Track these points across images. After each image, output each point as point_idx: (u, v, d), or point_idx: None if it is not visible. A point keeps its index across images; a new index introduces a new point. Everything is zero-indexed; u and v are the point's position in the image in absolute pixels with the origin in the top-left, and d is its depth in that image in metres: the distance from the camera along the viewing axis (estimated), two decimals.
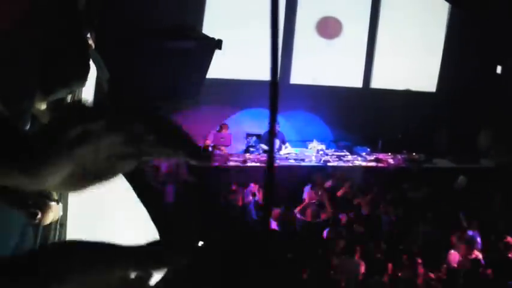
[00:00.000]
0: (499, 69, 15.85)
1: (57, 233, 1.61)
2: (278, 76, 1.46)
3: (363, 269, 9.12)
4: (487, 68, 15.73)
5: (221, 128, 13.97)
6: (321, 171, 13.54)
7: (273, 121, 1.38)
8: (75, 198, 1.72)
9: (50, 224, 1.70)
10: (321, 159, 14.08)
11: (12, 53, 2.06)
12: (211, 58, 11.89)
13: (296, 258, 9.52)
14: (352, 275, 8.99)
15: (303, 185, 12.95)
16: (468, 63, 15.45)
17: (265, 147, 14.03)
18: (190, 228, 10.60)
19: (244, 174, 12.87)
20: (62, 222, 1.63)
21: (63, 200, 1.70)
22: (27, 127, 2.18)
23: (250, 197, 12.21)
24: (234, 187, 12.41)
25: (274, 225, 10.99)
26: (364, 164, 14.35)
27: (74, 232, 1.69)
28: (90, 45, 2.77)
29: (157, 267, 1.04)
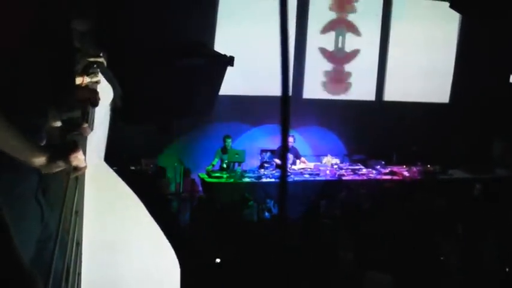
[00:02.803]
0: (511, 78, 15.81)
1: (72, 221, 1.62)
2: (290, 91, 1.47)
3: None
4: (499, 78, 15.69)
5: (224, 140, 13.97)
6: (336, 185, 13.53)
7: (285, 134, 1.39)
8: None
9: (66, 213, 1.71)
10: (335, 174, 14.07)
11: (28, 74, 2.09)
12: (223, 75, 11.93)
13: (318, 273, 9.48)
14: None
15: (318, 199, 12.95)
16: (480, 73, 15.42)
17: (278, 161, 14.03)
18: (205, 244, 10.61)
19: (259, 190, 12.88)
20: (77, 210, 1.64)
21: (78, 190, 1.72)
22: (44, 141, 2.21)
23: (266, 213, 12.23)
24: (249, 203, 12.43)
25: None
26: (378, 177, 14.32)
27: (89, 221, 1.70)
28: (103, 63, 2.81)
29: None
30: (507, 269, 9.77)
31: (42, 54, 2.23)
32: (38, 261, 2.08)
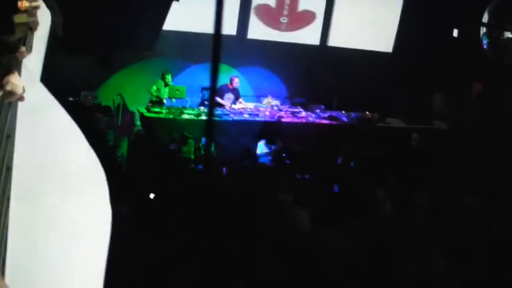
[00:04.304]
0: (455, 32, 15.98)
1: (3, 145, 1.57)
2: (222, 29, 1.45)
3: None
4: (444, 31, 15.84)
5: (163, 77, 13.85)
6: (275, 126, 13.58)
7: (214, 73, 1.37)
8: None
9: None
10: (275, 115, 14.11)
11: None
12: (168, 9, 11.74)
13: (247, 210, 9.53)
14: (301, 227, 9.03)
15: (257, 140, 13.02)
16: (425, 25, 15.53)
17: (219, 100, 14.00)
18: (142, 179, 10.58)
19: (198, 127, 12.87)
20: (8, 134, 1.60)
21: (11, 113, 1.68)
22: None
23: (202, 151, 12.22)
24: (188, 141, 12.41)
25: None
26: (317, 121, 14.42)
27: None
28: None
29: None
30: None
31: None
32: None
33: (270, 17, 15.74)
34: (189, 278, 6.88)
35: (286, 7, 15.78)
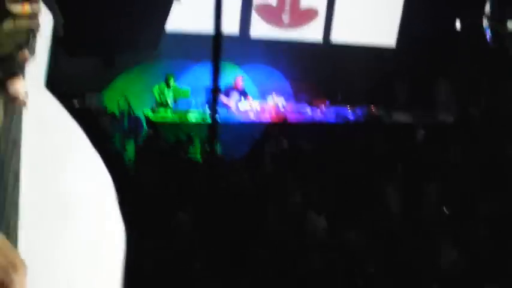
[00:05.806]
0: (458, 24, 15.94)
1: (9, 151, 1.54)
2: (222, 28, 1.42)
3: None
4: (447, 24, 15.79)
5: (168, 79, 13.83)
6: (280, 125, 13.54)
7: (216, 72, 1.35)
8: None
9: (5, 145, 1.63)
10: (280, 113, 14.05)
11: None
12: (169, 9, 11.72)
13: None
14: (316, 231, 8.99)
15: (261, 139, 12.98)
16: (428, 19, 15.49)
17: (225, 100, 13.96)
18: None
19: (204, 129, 12.82)
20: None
21: (16, 118, 1.65)
22: None
23: None
24: (194, 143, 12.39)
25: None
26: (323, 118, 14.36)
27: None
28: None
29: None
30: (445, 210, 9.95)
31: None
32: None
33: (271, 15, 15.71)
34: (198, 278, 6.86)
35: (288, 5, 15.74)
